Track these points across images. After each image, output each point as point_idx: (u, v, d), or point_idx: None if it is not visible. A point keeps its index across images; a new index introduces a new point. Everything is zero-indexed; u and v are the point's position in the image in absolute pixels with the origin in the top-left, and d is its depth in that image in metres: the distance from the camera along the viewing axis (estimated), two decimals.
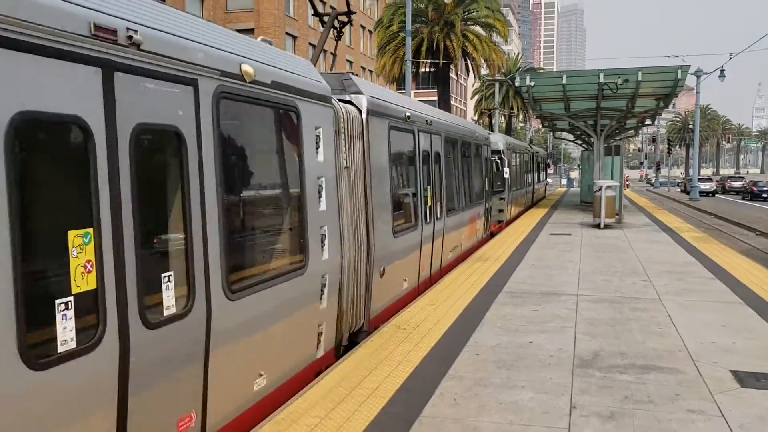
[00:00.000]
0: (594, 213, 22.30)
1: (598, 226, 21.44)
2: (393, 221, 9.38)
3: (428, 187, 11.50)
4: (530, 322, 8.94)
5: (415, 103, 12.02)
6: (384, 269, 9.00)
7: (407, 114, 10.24)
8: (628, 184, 72.99)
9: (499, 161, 20.89)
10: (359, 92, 8.47)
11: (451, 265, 13.54)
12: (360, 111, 8.38)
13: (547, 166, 52.61)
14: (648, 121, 31.54)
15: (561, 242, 17.76)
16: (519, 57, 73.85)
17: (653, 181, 79.14)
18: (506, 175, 21.43)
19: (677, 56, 60.47)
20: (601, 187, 21.28)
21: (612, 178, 25.76)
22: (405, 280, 10.30)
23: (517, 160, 27.46)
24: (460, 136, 14.59)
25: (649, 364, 7.09)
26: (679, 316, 9.22)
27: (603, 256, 15.06)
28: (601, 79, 23.16)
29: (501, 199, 22.35)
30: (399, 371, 6.84)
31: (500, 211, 22.42)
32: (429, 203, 11.53)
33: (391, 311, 9.54)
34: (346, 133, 7.87)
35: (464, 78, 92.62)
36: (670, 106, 29.00)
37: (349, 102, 8.32)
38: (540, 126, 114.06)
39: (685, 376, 6.68)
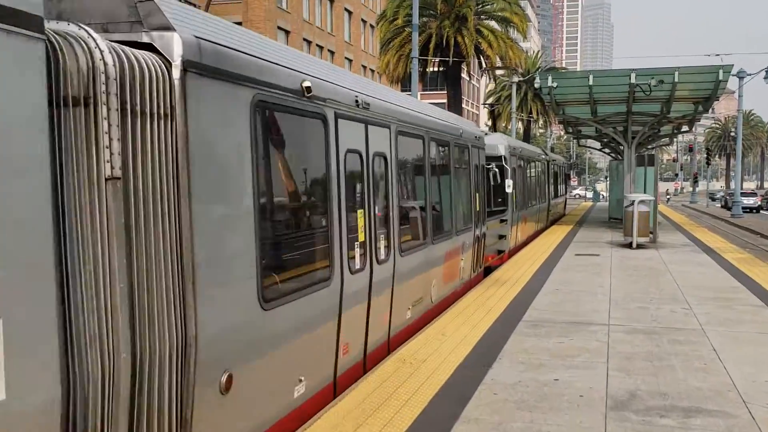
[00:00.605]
0: (625, 231, 22.15)
1: (629, 245, 21.27)
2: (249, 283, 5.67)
3: (359, 211, 8.14)
4: (555, 356, 8.76)
5: (327, 67, 8.21)
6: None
7: (306, 83, 6.55)
8: (668, 198, 72.67)
9: (498, 171, 16.79)
10: (168, 27, 4.74)
11: (412, 328, 10.27)
12: (168, 65, 4.73)
13: (568, 177, 47.29)
14: (685, 128, 31.43)
15: (588, 264, 17.58)
16: (539, 55, 74.02)
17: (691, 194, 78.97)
18: (509, 190, 17.35)
19: (717, 55, 60.22)
20: (633, 201, 21.12)
21: (645, 192, 25.56)
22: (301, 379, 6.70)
23: (528, 169, 25.08)
24: (428, 132, 11.00)
25: (693, 406, 6.90)
26: (726, 350, 9.03)
27: (636, 280, 14.88)
28: (633, 80, 23.01)
29: (502, 221, 19.62)
30: (404, 414, 6.65)
31: (501, 237, 19.68)
32: (361, 237, 8.13)
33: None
34: (121, 107, 4.28)
35: (477, 79, 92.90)
36: (709, 111, 28.85)
37: (148, 46, 4.71)
38: (562, 132, 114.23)
39: (736, 421, 6.49)
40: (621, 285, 14.28)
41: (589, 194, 72.92)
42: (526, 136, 69.43)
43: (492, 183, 16.72)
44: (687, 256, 19.47)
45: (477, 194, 14.76)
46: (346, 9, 63.23)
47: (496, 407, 6.84)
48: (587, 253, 20.10)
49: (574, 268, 16.70)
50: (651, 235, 22.21)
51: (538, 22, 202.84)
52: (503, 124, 68.71)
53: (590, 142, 44.28)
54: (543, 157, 31.04)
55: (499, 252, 19.49)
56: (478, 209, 14.83)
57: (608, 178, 37.95)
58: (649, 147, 33.34)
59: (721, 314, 11.32)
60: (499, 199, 18.97)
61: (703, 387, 7.51)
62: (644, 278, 15.26)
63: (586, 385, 7.55)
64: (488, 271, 17.00)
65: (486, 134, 18.02)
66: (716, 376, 7.91)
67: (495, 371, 8.06)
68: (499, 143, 18.86)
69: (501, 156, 17.85)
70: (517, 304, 12.04)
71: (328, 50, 59.10)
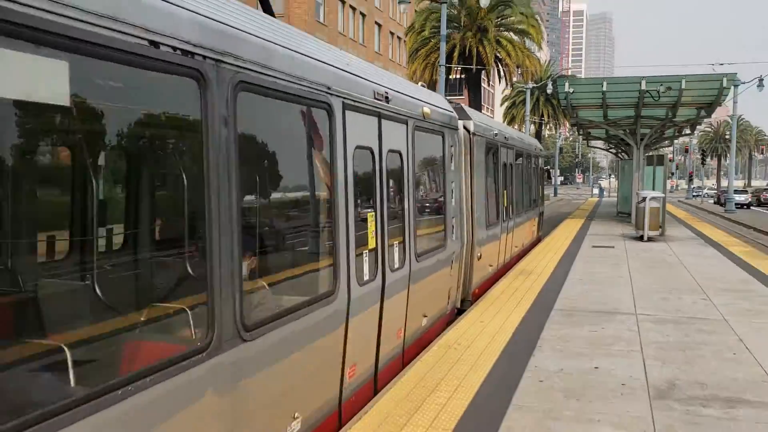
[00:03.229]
0: (636, 225, 21.55)
1: (641, 238, 20.67)
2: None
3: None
4: (591, 344, 8.30)
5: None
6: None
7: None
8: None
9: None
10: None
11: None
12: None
13: (548, 174, 29.39)
14: (686, 131, 30.67)
15: (606, 255, 17.03)
16: (550, 64, 72.98)
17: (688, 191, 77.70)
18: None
19: (712, 65, 59.19)
20: (645, 198, 20.50)
21: (654, 189, 24.89)
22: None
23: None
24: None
25: (734, 396, 6.43)
26: (751, 341, 8.52)
27: (654, 272, 14.34)
28: (643, 87, 22.45)
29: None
30: (457, 398, 6.26)
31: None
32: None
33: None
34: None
35: (491, 85, 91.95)
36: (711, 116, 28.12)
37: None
38: (568, 135, 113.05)
39: None
40: (640, 276, 13.74)
41: (595, 191, 71.87)
42: (538, 137, 68.61)
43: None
44: (695, 249, 18.84)
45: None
46: (376, 22, 62.71)
47: (545, 395, 6.42)
48: (603, 245, 19.53)
49: (593, 260, 16.16)
50: (660, 229, 21.58)
51: (547, 35, 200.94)
52: (517, 126, 68.01)
53: (594, 143, 43.60)
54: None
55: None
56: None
57: (617, 176, 37.06)
58: (653, 148, 32.62)
59: (740, 305, 10.77)
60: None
61: (738, 377, 7.03)
62: (660, 269, 14.70)
63: (626, 374, 7.10)
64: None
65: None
66: (748, 366, 7.42)
67: (537, 359, 7.64)
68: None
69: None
70: (547, 294, 11.58)
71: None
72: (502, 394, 6.41)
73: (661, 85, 22.36)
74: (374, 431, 5.44)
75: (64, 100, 3.05)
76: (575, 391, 6.55)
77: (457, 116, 10.45)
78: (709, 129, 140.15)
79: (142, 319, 4.07)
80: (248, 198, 4.60)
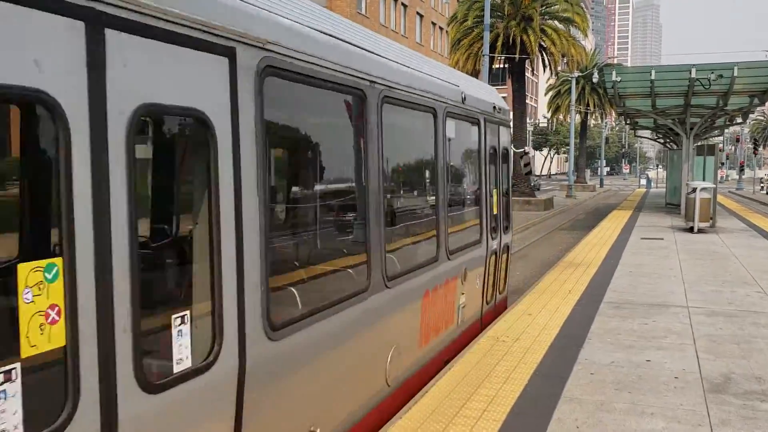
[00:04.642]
0: (686, 216, 21.13)
1: (691, 230, 20.27)
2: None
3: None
4: (642, 337, 8.21)
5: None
6: None
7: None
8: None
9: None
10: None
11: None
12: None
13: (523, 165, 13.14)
14: (738, 119, 29.90)
15: (655, 247, 16.76)
16: (595, 52, 71.77)
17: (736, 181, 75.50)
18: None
19: (766, 51, 57.47)
20: (695, 188, 20.09)
21: (704, 179, 24.37)
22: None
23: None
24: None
25: None
26: None
27: (705, 264, 14.07)
28: (693, 75, 21.96)
29: None
30: (506, 391, 6.27)
31: None
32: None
33: None
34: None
35: (535, 74, 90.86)
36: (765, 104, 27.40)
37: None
38: (614, 124, 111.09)
39: None
40: (690, 268, 13.50)
41: (643, 181, 70.54)
42: (583, 127, 67.65)
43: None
44: (747, 241, 18.41)
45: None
46: (418, 13, 62.55)
47: (596, 387, 6.39)
48: (652, 237, 19.21)
49: (642, 252, 15.93)
50: (711, 220, 21.13)
51: (592, 23, 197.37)
52: (562, 116, 67.20)
53: (642, 133, 42.79)
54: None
55: None
56: None
57: (666, 167, 36.31)
58: (703, 137, 31.88)
59: None
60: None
61: None
62: (711, 261, 14.42)
63: (678, 367, 7.02)
64: None
65: None
66: None
67: (587, 351, 7.59)
68: None
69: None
70: (596, 286, 11.47)
71: None
72: (552, 387, 6.40)
73: (712, 72, 21.84)
74: (424, 421, 5.49)
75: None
76: (627, 383, 6.50)
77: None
78: (762, 117, 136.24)
79: None
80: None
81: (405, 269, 6.19)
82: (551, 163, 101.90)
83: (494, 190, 9.27)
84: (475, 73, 40.73)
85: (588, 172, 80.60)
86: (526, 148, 11.40)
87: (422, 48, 63.57)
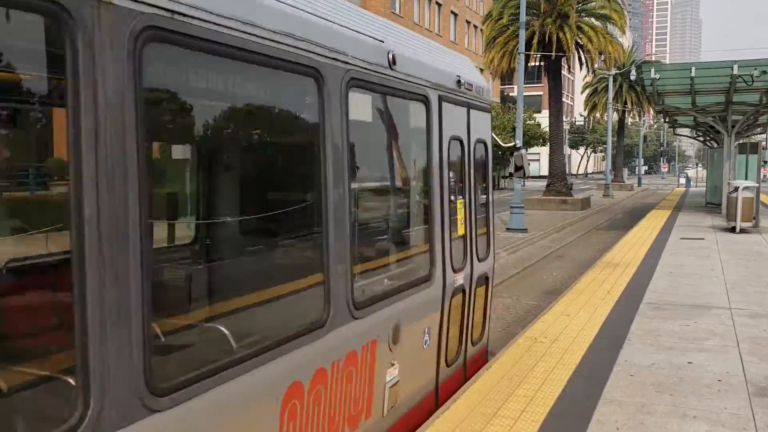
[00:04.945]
0: (728, 216, 20.74)
1: (732, 230, 19.87)
2: None
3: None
4: (683, 339, 8.09)
5: None
6: None
7: None
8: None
9: None
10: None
11: None
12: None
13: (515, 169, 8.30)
14: None
15: (695, 247, 16.48)
16: (633, 49, 70.76)
17: None
18: None
19: None
20: (738, 188, 19.70)
21: (746, 178, 23.88)
22: None
23: None
24: None
25: None
26: None
27: (747, 264, 13.79)
28: (735, 71, 21.50)
29: None
30: (545, 391, 6.24)
31: None
32: None
33: None
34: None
35: (571, 72, 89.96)
36: None
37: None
38: (652, 122, 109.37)
39: None
40: (732, 269, 13.25)
41: (682, 180, 69.37)
42: (621, 125, 66.76)
43: None
44: None
45: None
46: (452, 11, 62.40)
47: (636, 389, 6.32)
48: (692, 236, 18.88)
49: (682, 252, 15.67)
50: (753, 220, 20.69)
51: (629, 19, 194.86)
52: (599, 114, 66.42)
53: (680, 131, 42.04)
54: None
55: None
56: None
57: (706, 165, 35.63)
58: (745, 135, 31.22)
59: None
60: None
61: None
62: (753, 262, 14.13)
63: (721, 370, 6.90)
64: None
65: None
66: None
67: (627, 352, 7.51)
68: None
69: None
70: (635, 287, 11.32)
71: None
72: (592, 388, 6.35)
73: (755, 69, 21.38)
74: (462, 421, 5.49)
75: None
76: (668, 386, 6.41)
77: None
78: None
79: None
80: None
81: (239, 358, 3.39)
82: (588, 161, 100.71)
83: (459, 201, 6.49)
84: (510, 72, 40.49)
85: (626, 171, 79.53)
86: (516, 141, 7.91)
87: (457, 46, 63.39)
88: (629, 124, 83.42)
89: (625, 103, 62.14)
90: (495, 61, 39.33)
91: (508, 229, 23.40)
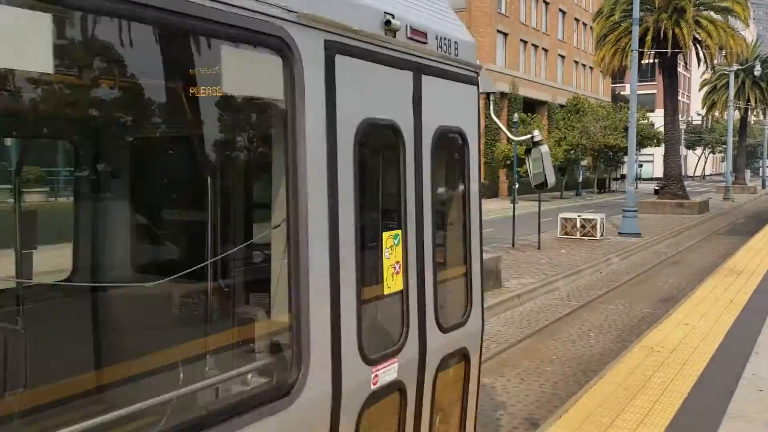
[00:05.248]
0: None
1: None
2: None
3: None
4: None
5: None
6: None
7: None
8: None
9: None
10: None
11: None
12: None
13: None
14: None
15: None
16: (757, 43, 66.71)
17: None
18: None
19: None
20: None
21: None
22: None
23: None
24: None
25: None
26: None
27: None
28: None
29: None
30: (663, 403, 5.96)
31: None
32: None
33: None
34: None
35: (687, 69, 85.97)
36: None
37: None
38: None
39: None
40: None
41: None
42: (743, 124, 63.11)
43: None
44: None
45: None
46: (560, 9, 61.03)
47: (765, 405, 5.93)
48: None
49: None
50: None
51: (753, 11, 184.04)
52: (718, 113, 63.12)
53: None
54: None
55: None
56: None
57: None
58: None
59: None
60: None
61: None
62: None
63: None
64: None
65: None
66: None
67: (754, 366, 7.07)
68: None
69: None
70: (761, 295, 10.66)
71: (543, 48, 57.39)
72: (715, 402, 6.01)
73: None
74: (576, 429, 5.33)
75: None
76: None
77: None
78: None
79: None
80: None
81: None
82: (706, 163, 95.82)
83: (389, 234, 3.53)
84: (621, 70, 39.10)
85: (748, 173, 75.02)
86: (534, 133, 4.57)
87: (565, 44, 61.93)
88: (752, 122, 78.82)
89: (748, 100, 58.65)
90: (606, 60, 38.17)
91: (620, 233, 22.59)
